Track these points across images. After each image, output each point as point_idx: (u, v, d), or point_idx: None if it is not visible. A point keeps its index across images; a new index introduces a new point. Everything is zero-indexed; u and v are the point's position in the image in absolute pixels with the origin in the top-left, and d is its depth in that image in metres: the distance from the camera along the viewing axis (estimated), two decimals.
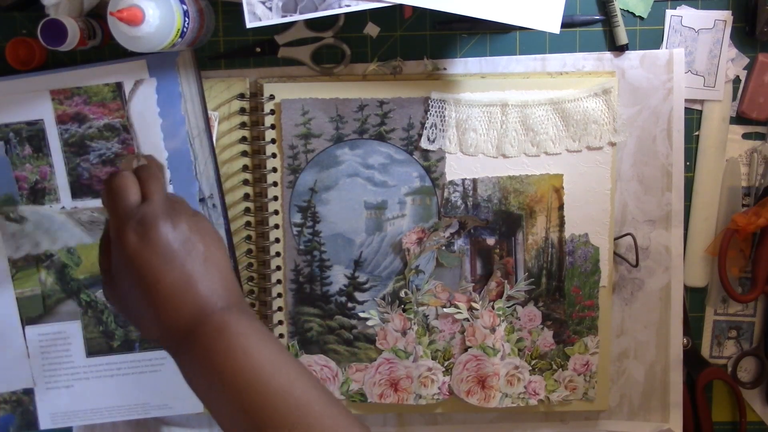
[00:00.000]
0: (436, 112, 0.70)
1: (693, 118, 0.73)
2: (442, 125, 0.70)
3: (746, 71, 0.72)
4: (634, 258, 0.73)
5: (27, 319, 0.73)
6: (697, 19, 0.71)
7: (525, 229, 0.72)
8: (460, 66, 0.71)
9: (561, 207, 0.72)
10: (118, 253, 0.52)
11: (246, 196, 0.73)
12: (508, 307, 0.73)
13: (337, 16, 0.69)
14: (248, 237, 0.73)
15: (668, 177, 0.72)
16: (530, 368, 0.74)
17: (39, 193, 0.72)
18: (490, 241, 0.73)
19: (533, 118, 0.70)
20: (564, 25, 0.67)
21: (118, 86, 0.70)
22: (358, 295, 0.73)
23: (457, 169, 0.71)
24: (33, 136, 0.71)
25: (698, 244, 0.74)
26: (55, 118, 0.71)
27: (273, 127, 0.71)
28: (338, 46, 0.71)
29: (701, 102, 0.73)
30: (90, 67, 0.71)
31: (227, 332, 0.50)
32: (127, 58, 0.70)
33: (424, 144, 0.71)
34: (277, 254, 0.73)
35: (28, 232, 0.72)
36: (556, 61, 0.71)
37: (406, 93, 0.70)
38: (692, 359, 0.75)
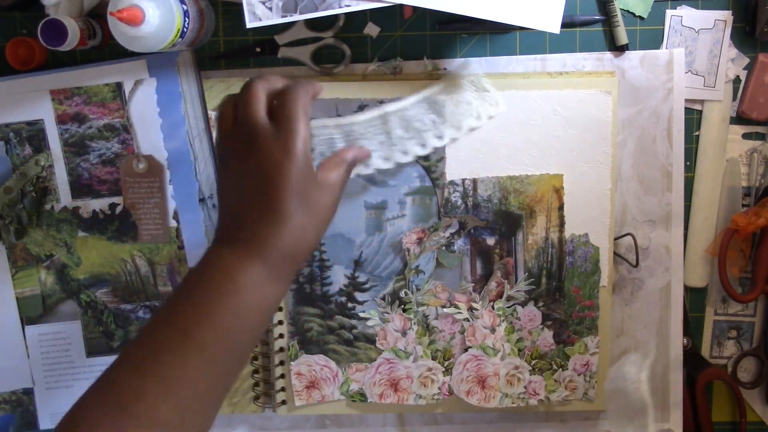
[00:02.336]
0: (322, 141, 0.66)
1: (693, 118, 0.73)
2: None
3: (746, 71, 0.72)
4: (634, 258, 0.73)
5: (27, 319, 0.73)
6: (697, 19, 0.71)
7: (525, 229, 0.72)
8: (460, 66, 0.71)
9: (561, 207, 0.72)
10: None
11: None
12: (508, 307, 0.73)
13: (337, 16, 0.69)
14: None
15: (668, 177, 0.72)
16: (530, 368, 0.74)
17: (39, 193, 0.72)
18: (490, 241, 0.72)
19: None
20: (564, 25, 0.67)
21: (118, 86, 0.70)
22: (358, 295, 0.73)
23: (457, 169, 0.71)
24: (33, 136, 0.71)
25: (698, 244, 0.74)
26: (55, 118, 0.71)
27: None
28: (338, 46, 0.71)
29: (701, 102, 0.73)
30: (90, 67, 0.71)
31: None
32: (127, 58, 0.70)
33: None
34: None
35: (29, 232, 0.72)
36: (556, 61, 0.71)
37: (406, 93, 0.70)
38: (692, 359, 0.75)
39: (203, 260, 0.55)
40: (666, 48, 0.72)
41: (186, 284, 0.54)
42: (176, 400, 0.49)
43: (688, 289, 0.75)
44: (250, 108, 0.55)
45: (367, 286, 0.73)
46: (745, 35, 0.72)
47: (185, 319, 0.51)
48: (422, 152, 0.70)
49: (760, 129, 0.74)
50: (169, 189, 0.72)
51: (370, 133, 0.68)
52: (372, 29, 0.72)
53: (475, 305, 0.73)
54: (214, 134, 0.71)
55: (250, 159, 0.54)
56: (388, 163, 0.69)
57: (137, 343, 0.52)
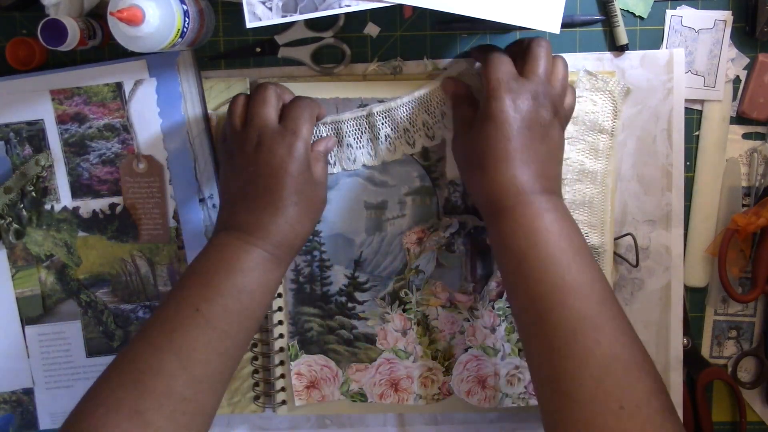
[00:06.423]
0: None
1: (693, 118, 0.73)
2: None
3: (746, 71, 0.72)
4: (634, 258, 0.73)
5: (27, 319, 0.73)
6: (697, 19, 0.71)
7: None
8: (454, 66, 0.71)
9: None
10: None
11: None
12: (508, 307, 0.73)
13: (337, 16, 0.69)
14: None
15: (668, 177, 0.72)
16: None
17: (39, 193, 0.72)
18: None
19: None
20: (564, 25, 0.67)
21: (118, 86, 0.71)
22: (358, 295, 0.73)
23: (457, 168, 0.71)
24: (33, 136, 0.71)
25: (698, 244, 0.74)
26: (55, 118, 0.71)
27: None
28: (338, 46, 0.71)
29: (701, 102, 0.73)
30: (90, 67, 0.71)
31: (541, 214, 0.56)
32: (127, 58, 0.70)
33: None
34: None
35: (29, 232, 0.72)
36: None
37: (406, 93, 0.70)
38: (692, 359, 0.75)
39: (209, 246, 0.60)
40: (666, 48, 0.72)
41: (194, 267, 0.58)
42: (191, 375, 0.53)
43: (688, 289, 0.75)
44: (264, 107, 0.62)
45: (367, 286, 0.73)
46: (745, 35, 0.72)
47: (195, 297, 0.56)
48: (411, 150, 0.70)
49: (760, 129, 0.74)
50: (169, 189, 0.72)
51: (357, 131, 0.69)
52: (372, 29, 0.72)
53: (475, 305, 0.73)
54: (219, 132, 0.71)
55: (259, 154, 0.60)
56: (375, 160, 0.70)
57: (152, 321, 0.56)
